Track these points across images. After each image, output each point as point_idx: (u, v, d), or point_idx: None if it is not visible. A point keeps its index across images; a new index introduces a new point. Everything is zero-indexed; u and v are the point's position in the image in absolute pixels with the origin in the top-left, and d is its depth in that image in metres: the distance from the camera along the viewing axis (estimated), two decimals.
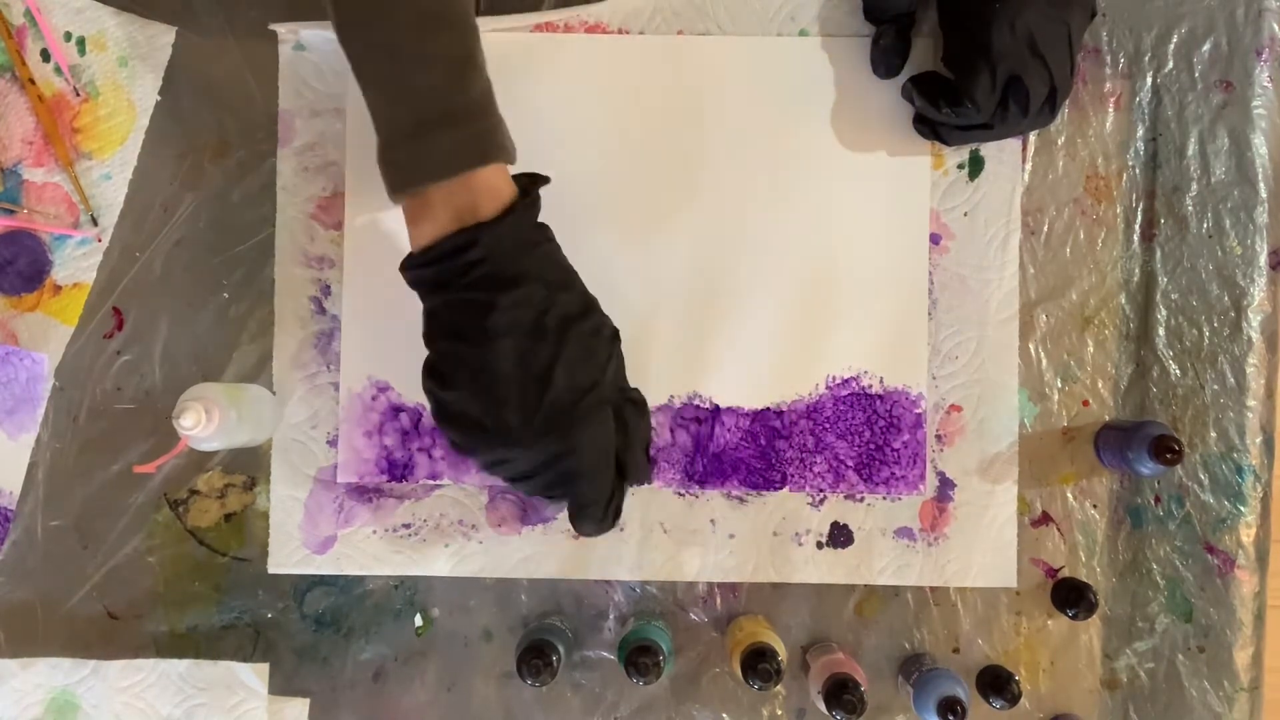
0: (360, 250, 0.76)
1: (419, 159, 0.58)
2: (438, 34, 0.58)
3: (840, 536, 0.76)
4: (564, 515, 0.76)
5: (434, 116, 0.58)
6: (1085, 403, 0.77)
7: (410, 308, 0.75)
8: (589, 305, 0.62)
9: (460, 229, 0.58)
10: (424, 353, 0.61)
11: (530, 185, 0.62)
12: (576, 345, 0.59)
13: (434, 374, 0.60)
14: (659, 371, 0.76)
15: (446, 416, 0.60)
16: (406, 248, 0.62)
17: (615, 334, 0.63)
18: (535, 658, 0.69)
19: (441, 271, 0.59)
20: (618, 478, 0.62)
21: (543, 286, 0.59)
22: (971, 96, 0.69)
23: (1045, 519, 0.77)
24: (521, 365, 0.57)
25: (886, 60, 0.75)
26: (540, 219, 0.63)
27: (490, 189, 0.59)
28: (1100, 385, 0.77)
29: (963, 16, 0.71)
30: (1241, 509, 0.77)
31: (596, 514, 0.61)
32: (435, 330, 0.60)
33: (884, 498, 0.76)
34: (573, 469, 0.59)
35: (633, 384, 0.76)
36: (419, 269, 0.60)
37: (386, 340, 0.76)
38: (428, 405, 0.62)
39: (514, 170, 0.63)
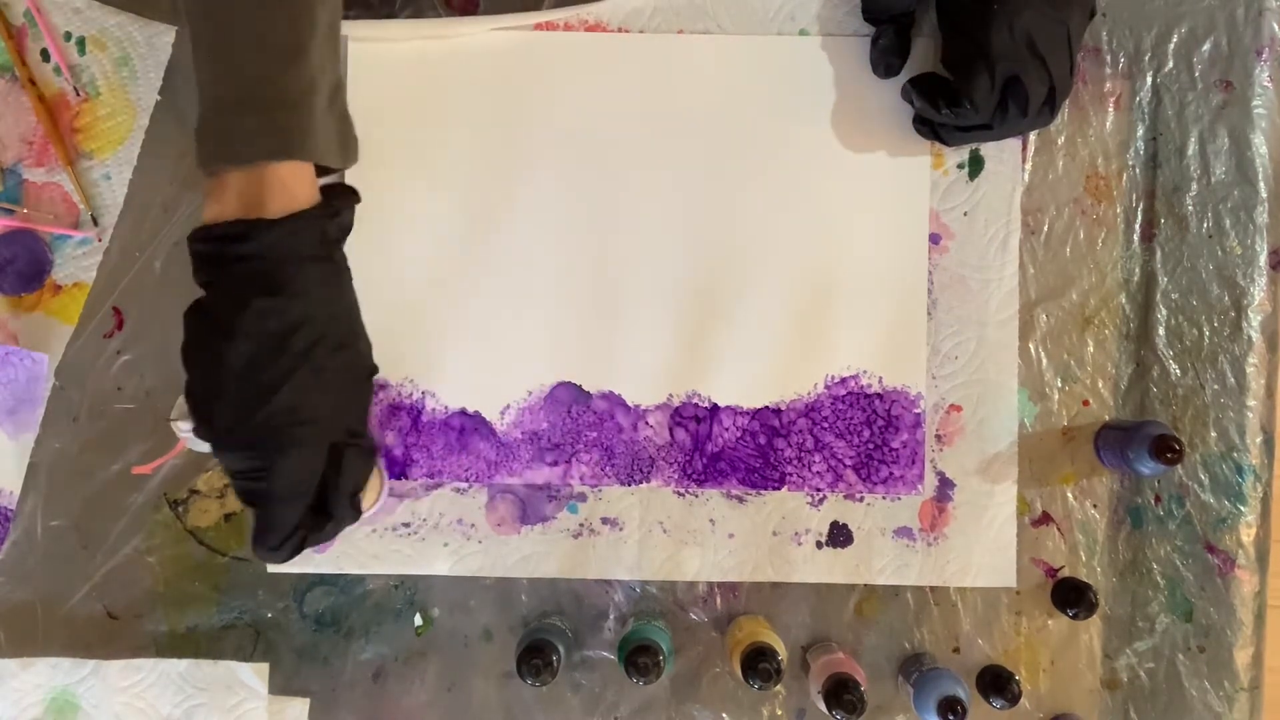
0: (356, 248, 0.76)
1: (221, 139, 0.57)
2: (272, 17, 0.57)
3: (840, 536, 0.76)
4: (563, 515, 0.76)
5: (242, 99, 0.56)
6: (1085, 402, 0.77)
7: (409, 306, 0.76)
8: (349, 338, 0.60)
9: (240, 219, 0.56)
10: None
11: (337, 198, 0.60)
12: (315, 374, 0.57)
13: (184, 347, 0.58)
14: (658, 370, 0.76)
15: (186, 386, 0.58)
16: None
17: (370, 374, 0.61)
18: (535, 658, 0.69)
19: (214, 252, 0.57)
20: (314, 514, 0.59)
21: (302, 304, 0.57)
22: (970, 97, 0.69)
23: (1045, 519, 0.77)
24: (249, 371, 0.56)
25: (885, 60, 0.74)
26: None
27: (283, 188, 0.57)
28: (1100, 385, 0.77)
29: (961, 17, 0.71)
30: (1241, 509, 0.77)
31: (271, 541, 0.58)
32: (196, 305, 0.58)
33: (883, 497, 0.76)
34: (262, 490, 0.57)
35: (630, 382, 0.76)
36: (197, 243, 0.58)
37: (385, 338, 0.75)
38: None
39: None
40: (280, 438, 0.56)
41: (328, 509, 0.59)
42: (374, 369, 0.61)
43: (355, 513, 0.61)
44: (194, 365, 0.57)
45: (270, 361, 0.56)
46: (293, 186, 0.57)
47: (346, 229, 0.60)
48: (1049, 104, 0.70)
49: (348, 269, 0.60)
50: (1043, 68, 0.68)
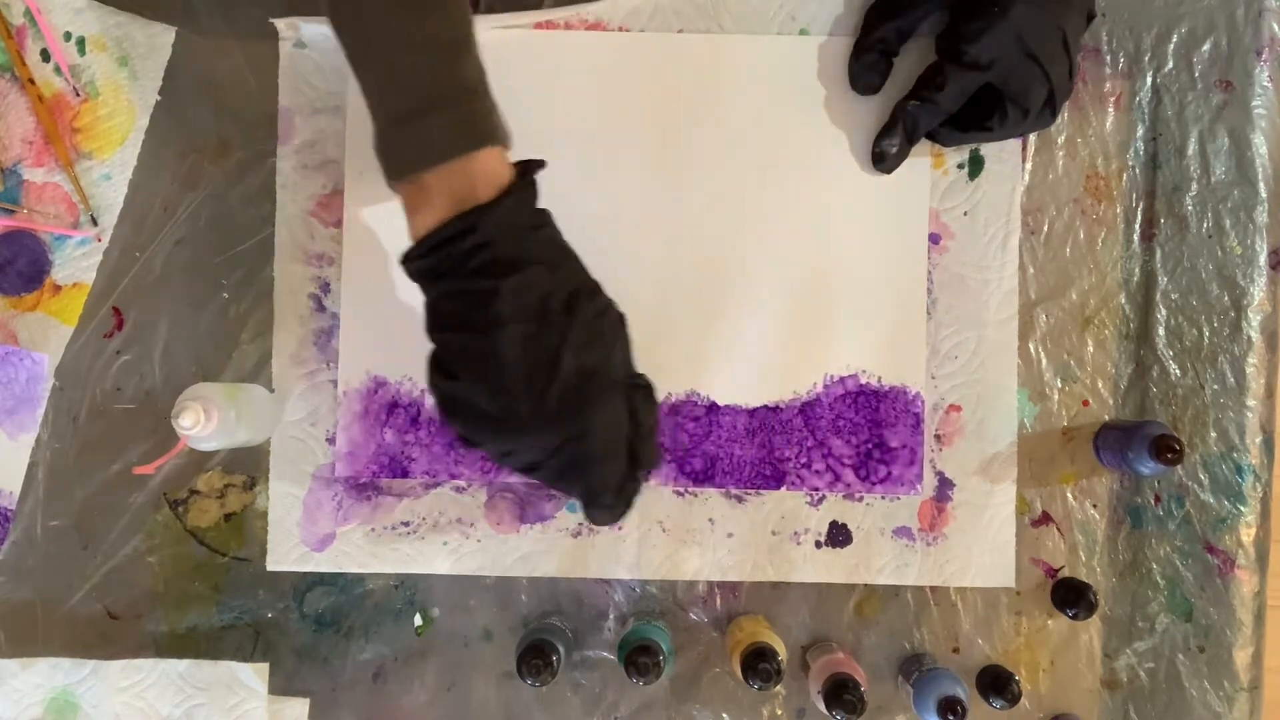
0: (359, 247, 0.76)
1: (414, 145, 0.57)
2: (430, 16, 0.58)
3: (839, 536, 0.76)
4: (562, 514, 0.76)
5: (428, 101, 0.57)
6: (1085, 403, 0.77)
7: (409, 304, 0.76)
8: (593, 288, 0.61)
9: (459, 214, 0.57)
10: (424, 348, 0.60)
11: (527, 169, 0.61)
12: (583, 328, 0.58)
13: (439, 366, 0.59)
14: (657, 369, 0.75)
15: (453, 409, 0.59)
16: (405, 244, 0.61)
17: (621, 317, 0.62)
18: (535, 658, 0.69)
19: (442, 260, 0.58)
20: (629, 465, 0.60)
21: (546, 269, 0.58)
22: (944, 90, 0.70)
23: (1045, 519, 0.77)
24: (528, 351, 0.56)
25: (865, 78, 0.75)
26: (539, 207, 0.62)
27: (487, 173, 0.58)
28: (1100, 385, 0.77)
29: (955, 23, 0.71)
30: (1241, 509, 0.77)
31: (608, 500, 0.59)
32: (438, 321, 0.59)
33: (882, 497, 0.76)
34: (584, 454, 0.58)
35: None
36: (419, 259, 0.59)
37: (385, 336, 0.76)
38: (432, 400, 0.61)
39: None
40: (583, 398, 0.56)
41: (636, 456, 0.59)
42: (621, 311, 0.62)
43: (660, 450, 0.62)
44: (467, 375, 0.57)
45: (542, 333, 0.56)
46: (495, 169, 0.58)
47: (538, 194, 0.61)
48: (1049, 106, 0.70)
49: (558, 227, 0.61)
50: (1039, 70, 0.69)
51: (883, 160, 0.75)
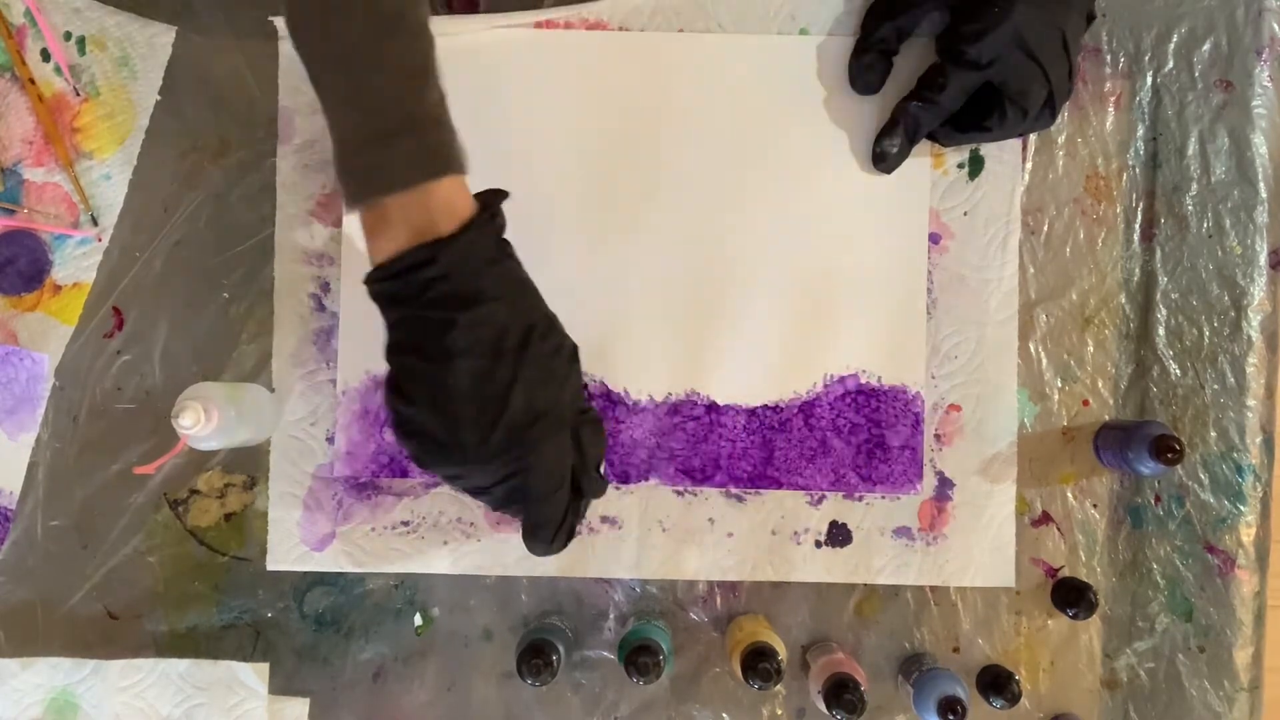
0: (359, 247, 0.76)
1: (375, 169, 0.57)
2: (394, 40, 0.57)
3: (839, 536, 0.76)
4: None
5: (390, 126, 0.57)
6: (1085, 402, 0.77)
7: None
8: (549, 323, 0.61)
9: (419, 245, 0.56)
10: None
11: (491, 200, 0.61)
12: (535, 366, 0.58)
13: (395, 388, 0.59)
14: (657, 368, 0.76)
15: (407, 431, 0.59)
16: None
17: (574, 352, 0.62)
18: (535, 658, 0.69)
19: (400, 286, 0.57)
20: (573, 496, 0.61)
21: (503, 305, 0.58)
22: (945, 89, 0.70)
23: (1045, 519, 0.77)
24: (479, 385, 0.57)
25: (865, 78, 0.75)
26: (511, 226, 0.61)
27: (448, 204, 0.57)
28: (1100, 385, 0.77)
29: (955, 23, 0.71)
30: (1241, 509, 0.77)
31: (547, 536, 0.61)
32: (396, 345, 0.59)
33: (882, 497, 0.76)
34: (526, 490, 0.59)
35: (629, 380, 0.76)
36: (379, 283, 0.58)
37: (385, 336, 0.76)
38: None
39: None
40: (529, 436, 0.57)
41: (578, 487, 0.61)
42: (574, 345, 0.62)
43: (604, 481, 0.63)
44: (420, 401, 0.58)
45: (495, 369, 0.57)
46: (455, 200, 0.58)
47: (503, 226, 0.61)
48: (1048, 107, 0.71)
49: (519, 261, 0.61)
50: (1039, 70, 0.69)
51: (883, 160, 0.75)
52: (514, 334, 0.58)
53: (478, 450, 0.57)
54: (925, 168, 0.77)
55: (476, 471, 0.59)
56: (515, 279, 0.61)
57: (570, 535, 0.62)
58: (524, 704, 0.76)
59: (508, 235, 0.61)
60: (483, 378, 0.57)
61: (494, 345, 0.57)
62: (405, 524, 0.76)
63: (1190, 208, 0.77)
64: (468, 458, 0.58)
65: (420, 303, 0.57)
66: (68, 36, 0.77)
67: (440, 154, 0.58)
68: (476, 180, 0.76)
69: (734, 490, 0.76)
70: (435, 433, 0.58)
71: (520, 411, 0.57)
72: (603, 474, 0.64)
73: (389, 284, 0.58)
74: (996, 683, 0.72)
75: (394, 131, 0.57)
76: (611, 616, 0.77)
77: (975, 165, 0.77)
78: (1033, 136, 0.77)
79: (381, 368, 0.76)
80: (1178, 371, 0.77)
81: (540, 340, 0.59)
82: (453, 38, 0.76)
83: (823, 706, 0.69)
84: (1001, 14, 0.68)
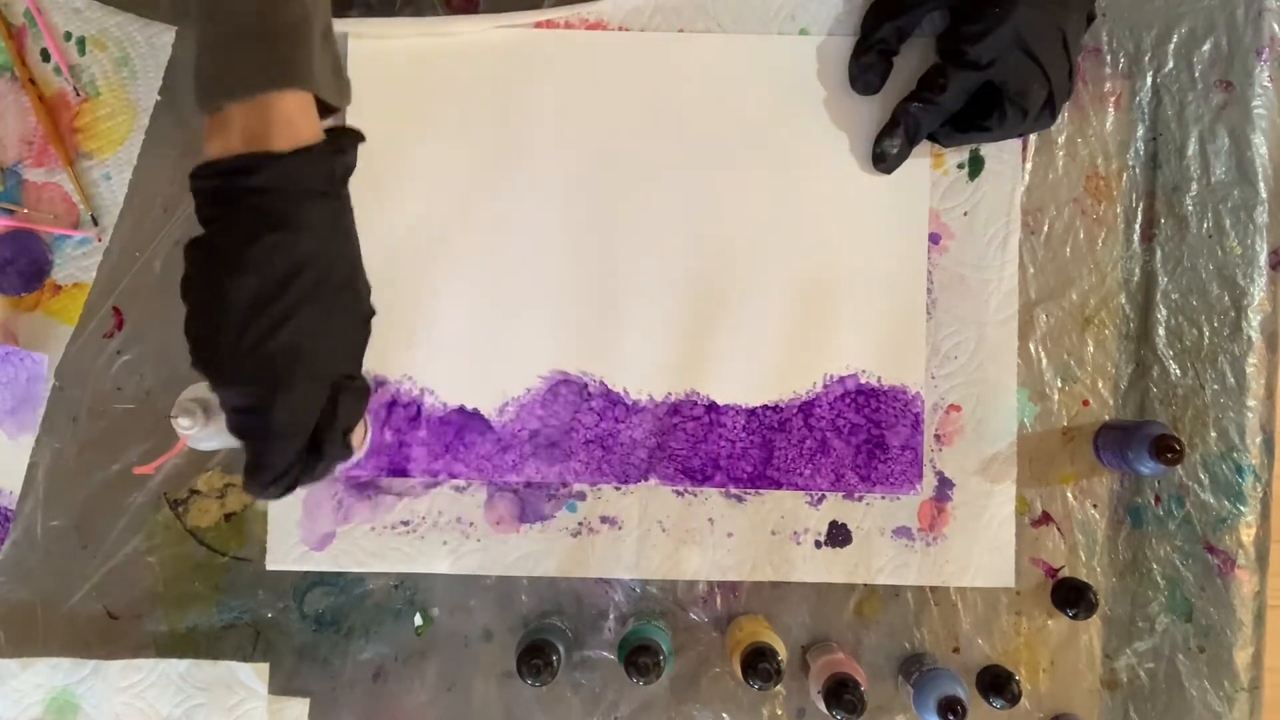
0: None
1: (220, 74, 0.56)
2: None
3: (838, 536, 0.76)
4: (562, 514, 0.76)
5: (241, 32, 0.56)
6: (1085, 403, 0.77)
7: (409, 302, 0.76)
8: (351, 278, 0.59)
9: (248, 153, 0.56)
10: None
11: (343, 137, 0.59)
12: (318, 313, 0.56)
13: (185, 280, 0.58)
14: (657, 368, 0.76)
15: (186, 325, 0.58)
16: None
17: (368, 318, 0.61)
18: (535, 658, 0.69)
19: (220, 185, 0.56)
20: (310, 454, 0.59)
21: (311, 240, 0.56)
22: (946, 89, 0.70)
23: (1045, 519, 0.77)
24: (253, 308, 0.55)
25: (865, 78, 0.75)
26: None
27: (287, 121, 0.56)
28: (1100, 385, 0.77)
29: (955, 24, 0.71)
30: (1241, 509, 0.77)
31: (265, 479, 0.58)
32: (197, 242, 0.57)
33: (882, 497, 0.76)
34: (259, 426, 0.57)
35: (629, 380, 0.76)
36: (200, 179, 0.57)
37: (384, 335, 0.76)
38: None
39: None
40: (281, 374, 0.56)
41: (320, 448, 0.58)
42: (372, 312, 0.61)
43: (347, 450, 0.60)
44: (195, 299, 0.56)
45: (275, 297, 0.55)
46: (297, 121, 0.57)
47: (350, 168, 0.60)
48: (1049, 107, 0.71)
49: (351, 209, 0.60)
50: (1040, 71, 0.69)
51: (883, 160, 0.75)
52: (310, 273, 0.56)
53: (224, 369, 0.56)
54: (925, 168, 0.77)
55: (221, 387, 0.57)
56: (336, 221, 0.59)
57: (290, 488, 0.59)
58: (524, 704, 0.76)
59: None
60: (259, 302, 0.55)
61: (284, 275, 0.55)
62: (405, 524, 0.76)
63: (1190, 208, 0.77)
64: (218, 371, 0.56)
65: (234, 209, 0.56)
66: (68, 36, 0.77)
67: (286, 67, 0.56)
68: (477, 177, 0.76)
69: (734, 490, 0.76)
70: (197, 332, 0.56)
71: (283, 349, 0.55)
72: (349, 444, 0.60)
73: (210, 180, 0.56)
74: (996, 683, 0.72)
75: (244, 39, 0.56)
76: (611, 616, 0.77)
77: (975, 165, 0.77)
78: (1033, 137, 0.77)
79: (381, 368, 0.76)
80: (1178, 371, 0.77)
81: (335, 291, 0.57)
82: (452, 37, 0.76)
83: (823, 706, 0.69)
84: (1002, 14, 0.68)
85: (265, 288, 0.55)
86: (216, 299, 0.56)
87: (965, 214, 0.77)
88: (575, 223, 0.77)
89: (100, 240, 0.77)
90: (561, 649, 0.71)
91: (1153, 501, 0.77)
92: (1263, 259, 0.77)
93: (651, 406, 0.76)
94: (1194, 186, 0.77)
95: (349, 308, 0.59)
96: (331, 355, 0.58)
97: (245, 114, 0.56)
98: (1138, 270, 0.78)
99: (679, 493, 0.76)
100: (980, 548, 0.76)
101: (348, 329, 0.59)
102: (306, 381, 0.57)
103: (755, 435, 0.76)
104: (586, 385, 0.76)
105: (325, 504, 0.76)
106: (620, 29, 0.77)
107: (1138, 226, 0.78)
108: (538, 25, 0.77)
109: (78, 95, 0.77)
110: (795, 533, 0.76)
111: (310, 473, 0.59)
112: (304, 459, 0.58)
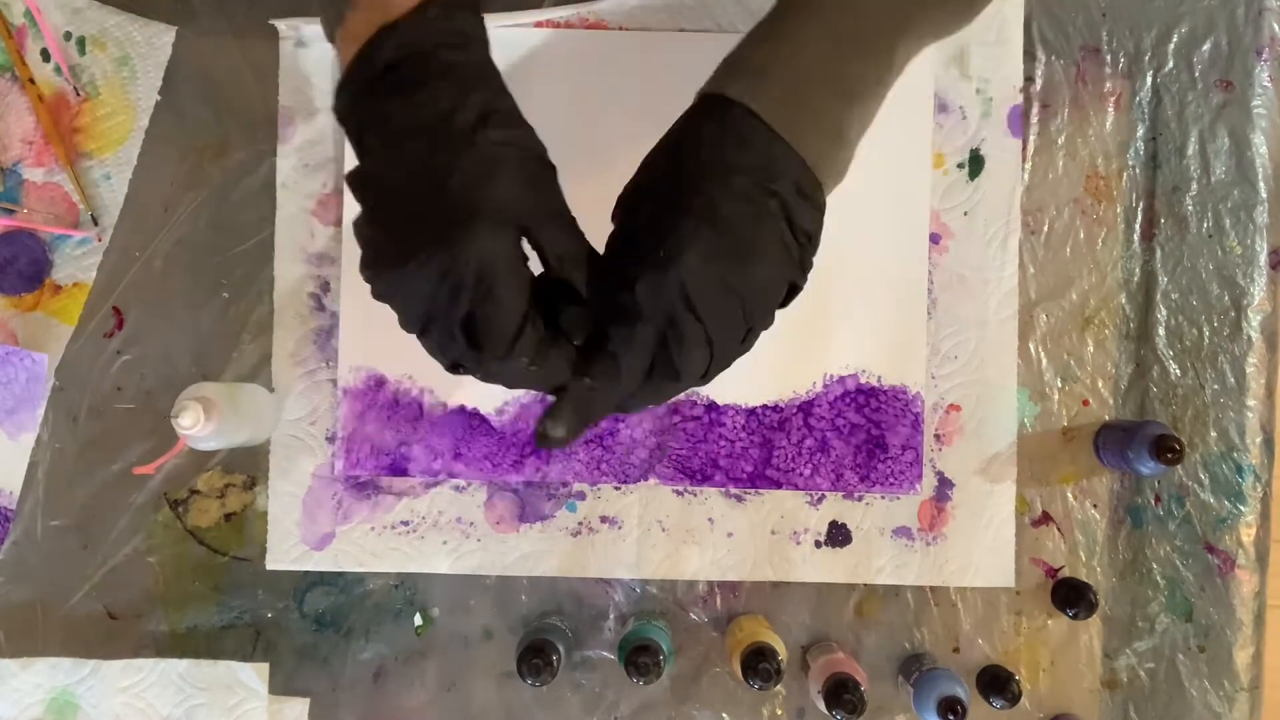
0: (353, 241, 0.76)
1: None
2: None
3: (838, 536, 0.76)
4: (562, 514, 0.76)
5: None
6: (1085, 402, 0.77)
7: None
8: (507, 116, 0.54)
9: (376, 32, 0.52)
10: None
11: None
12: (479, 157, 0.51)
13: (353, 173, 0.54)
14: None
15: (363, 250, 0.53)
16: None
17: (540, 156, 0.56)
18: (535, 658, 0.69)
19: (358, 90, 0.53)
20: (547, 327, 0.53)
21: (454, 86, 0.52)
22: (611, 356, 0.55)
23: (1045, 519, 0.77)
24: (414, 176, 0.51)
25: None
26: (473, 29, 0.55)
27: (385, 5, 0.52)
28: (1100, 385, 0.77)
29: (618, 267, 0.57)
30: (1241, 509, 0.77)
31: (497, 345, 0.51)
32: (357, 155, 0.54)
33: (882, 497, 0.76)
34: (460, 284, 0.51)
35: None
36: (342, 91, 0.54)
37: (385, 335, 0.75)
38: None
39: None
40: (458, 224, 0.50)
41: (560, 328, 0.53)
42: (542, 151, 0.55)
43: (581, 313, 0.55)
44: (368, 203, 0.53)
45: (432, 155, 0.51)
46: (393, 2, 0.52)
47: (478, 3, 0.55)
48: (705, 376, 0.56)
49: (488, 46, 0.55)
50: (702, 334, 0.54)
51: (545, 441, 0.55)
52: (461, 119, 0.51)
53: (410, 245, 0.51)
54: (925, 168, 0.77)
55: (410, 279, 0.51)
56: (475, 63, 0.54)
57: (561, 370, 0.53)
58: (524, 704, 0.76)
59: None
60: (419, 168, 0.51)
61: (432, 130, 0.51)
62: (405, 524, 0.76)
63: (1190, 208, 0.77)
64: (399, 256, 0.51)
65: (375, 97, 0.53)
66: (68, 36, 0.77)
67: None
68: None
69: (733, 490, 0.76)
70: (369, 235, 0.53)
71: (454, 206, 0.50)
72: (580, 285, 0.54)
73: (347, 90, 0.53)
74: (996, 683, 0.72)
75: None
76: (611, 616, 0.77)
77: (975, 165, 0.77)
78: (1032, 136, 0.77)
79: (382, 367, 0.76)
80: (1178, 371, 0.77)
81: (493, 131, 0.52)
82: None
83: (823, 706, 0.69)
84: (668, 261, 0.54)
85: (419, 151, 0.51)
86: (379, 192, 0.52)
87: (965, 214, 0.77)
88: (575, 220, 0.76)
89: (100, 240, 0.77)
90: (561, 649, 0.71)
91: (1153, 501, 0.77)
92: (1263, 259, 0.77)
93: (651, 406, 0.76)
94: (1194, 186, 0.77)
95: (514, 145, 0.54)
96: (517, 201, 0.53)
97: (365, 10, 0.53)
98: (1138, 270, 0.78)
99: (679, 492, 0.76)
100: (980, 548, 0.76)
101: (511, 165, 0.53)
102: (484, 224, 0.51)
103: (755, 435, 0.76)
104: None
105: (325, 504, 0.76)
106: (620, 29, 0.77)
107: (1138, 226, 0.78)
108: (538, 24, 0.77)
109: (78, 95, 0.77)
110: (795, 533, 0.76)
111: (559, 346, 0.53)
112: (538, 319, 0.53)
